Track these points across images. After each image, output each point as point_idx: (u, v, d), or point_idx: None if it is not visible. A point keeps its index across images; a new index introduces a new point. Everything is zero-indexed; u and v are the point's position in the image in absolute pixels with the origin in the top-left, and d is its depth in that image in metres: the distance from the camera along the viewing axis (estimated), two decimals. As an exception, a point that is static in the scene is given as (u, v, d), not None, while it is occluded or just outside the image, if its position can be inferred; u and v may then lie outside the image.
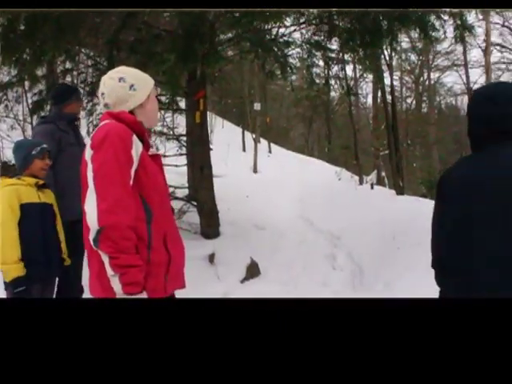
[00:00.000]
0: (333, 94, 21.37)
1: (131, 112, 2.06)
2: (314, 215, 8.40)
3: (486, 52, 8.30)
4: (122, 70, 2.13)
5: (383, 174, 16.54)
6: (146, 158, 2.02)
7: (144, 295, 1.86)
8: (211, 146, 8.26)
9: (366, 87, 26.06)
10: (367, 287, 5.55)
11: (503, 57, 20.19)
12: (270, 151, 19.92)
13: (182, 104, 8.61)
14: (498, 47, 18.83)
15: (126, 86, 2.05)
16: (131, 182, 1.92)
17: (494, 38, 21.41)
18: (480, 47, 10.31)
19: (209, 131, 17.14)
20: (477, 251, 1.74)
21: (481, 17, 9.89)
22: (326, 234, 7.48)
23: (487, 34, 8.54)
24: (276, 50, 7.53)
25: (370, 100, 22.97)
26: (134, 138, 1.97)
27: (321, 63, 10.42)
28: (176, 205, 7.09)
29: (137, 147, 1.96)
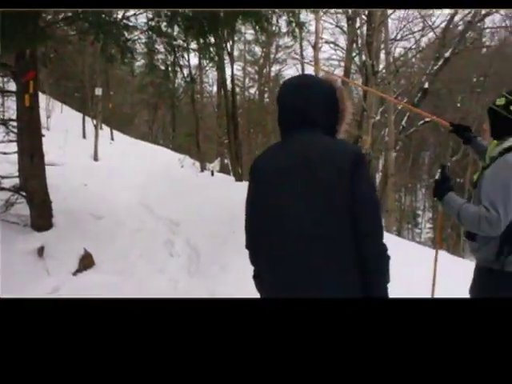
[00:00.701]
0: (179, 81, 21.33)
1: None
2: (155, 202, 8.37)
3: (316, 48, 9.01)
4: None
5: (227, 161, 16.97)
6: None
7: None
8: (47, 132, 7.77)
9: (212, 76, 26.46)
10: (203, 271, 5.70)
11: (336, 54, 21.88)
12: (112, 138, 19.24)
13: (13, 86, 7.91)
14: (332, 45, 20.44)
15: None
16: None
17: (328, 37, 23.10)
18: (310, 44, 11.10)
19: (45, 116, 15.99)
20: (287, 236, 1.85)
21: (312, 16, 10.57)
22: (166, 220, 7.50)
23: (316, 31, 9.24)
24: (116, 33, 7.29)
25: (216, 88, 23.36)
26: None
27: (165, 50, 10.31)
28: (3, 196, 6.56)
29: None
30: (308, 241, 1.83)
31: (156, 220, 7.56)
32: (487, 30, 16.74)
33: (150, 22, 7.84)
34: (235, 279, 5.01)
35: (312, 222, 1.83)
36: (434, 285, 3.62)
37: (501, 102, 2.70)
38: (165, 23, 7.71)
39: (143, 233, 6.87)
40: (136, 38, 8.12)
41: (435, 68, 15.36)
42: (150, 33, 7.95)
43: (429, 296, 3.70)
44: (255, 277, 2.06)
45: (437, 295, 3.71)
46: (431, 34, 16.25)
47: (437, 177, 2.85)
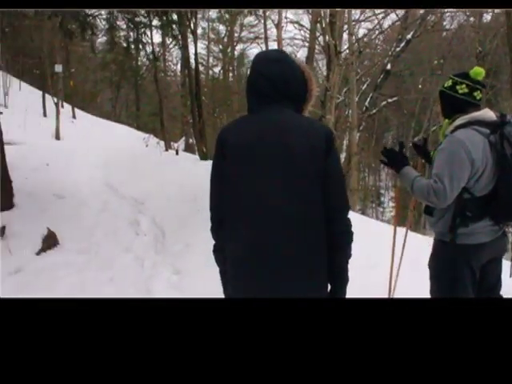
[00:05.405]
0: (142, 59, 20.97)
1: None
2: (119, 182, 8.30)
3: (278, 28, 8.98)
4: None
5: (192, 140, 16.86)
6: None
7: None
8: (4, 110, 7.55)
9: (177, 54, 26.10)
10: (168, 249, 5.73)
11: (300, 34, 21.85)
12: (74, 117, 18.81)
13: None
14: (296, 25, 20.40)
15: None
16: None
17: (292, 16, 23.01)
18: (273, 23, 11.03)
19: (2, 93, 15.49)
20: (261, 214, 1.85)
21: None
22: (130, 199, 7.46)
23: (279, 11, 9.22)
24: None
25: (180, 67, 23.03)
26: None
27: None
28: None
29: None
30: (284, 218, 1.84)
31: (120, 199, 7.50)
32: (447, 14, 17.02)
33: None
34: (199, 256, 5.07)
35: (288, 200, 1.84)
36: (392, 258, 3.77)
37: (448, 83, 2.85)
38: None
39: (108, 212, 6.82)
40: (96, 13, 7.96)
41: (397, 50, 15.61)
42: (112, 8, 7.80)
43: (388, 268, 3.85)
44: (216, 251, 2.05)
45: (395, 269, 3.87)
46: (394, 16, 16.44)
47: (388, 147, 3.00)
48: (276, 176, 1.85)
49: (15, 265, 4.86)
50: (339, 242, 1.94)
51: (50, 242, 5.49)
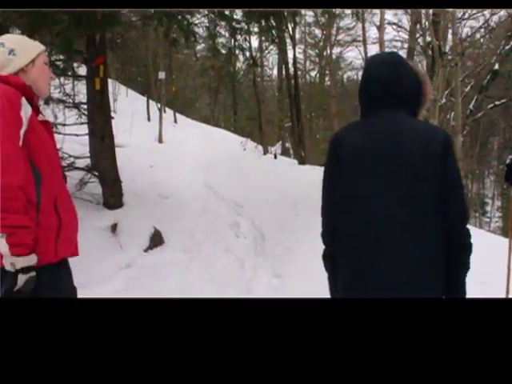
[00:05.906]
0: (240, 64, 21.45)
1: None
2: (218, 184, 8.49)
3: (380, 29, 8.77)
4: (4, 37, 2.12)
5: (288, 144, 16.96)
6: (36, 122, 2.01)
7: (33, 258, 1.84)
8: (114, 115, 8.02)
9: (273, 59, 26.42)
10: (268, 252, 5.77)
11: (398, 35, 21.27)
12: (175, 121, 19.60)
13: (83, 71, 8.23)
14: (395, 26, 19.88)
15: (5, 50, 2.04)
16: (20, 143, 1.88)
17: (391, 17, 22.44)
18: (375, 25, 10.79)
19: (112, 100, 16.44)
20: (372, 221, 1.79)
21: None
22: (230, 202, 7.60)
23: (381, 12, 9.00)
24: (180, 17, 7.42)
25: (276, 72, 23.30)
26: (23, 100, 1.95)
27: (227, 33, 10.40)
28: (77, 175, 6.87)
29: (26, 109, 1.94)
30: (397, 227, 1.77)
31: (220, 201, 7.68)
32: None
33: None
34: (299, 261, 5.05)
35: (400, 203, 1.77)
36: (508, 275, 3.50)
37: None
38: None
39: (208, 214, 7.01)
40: (197, 21, 8.24)
41: (506, 48, 14.67)
42: (213, 16, 8.02)
43: (503, 285, 3.58)
44: (325, 257, 2.01)
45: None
46: (502, 12, 15.44)
47: (508, 161, 2.74)
48: (388, 179, 1.79)
49: (125, 260, 5.14)
50: (459, 255, 1.83)
51: (156, 240, 5.74)
